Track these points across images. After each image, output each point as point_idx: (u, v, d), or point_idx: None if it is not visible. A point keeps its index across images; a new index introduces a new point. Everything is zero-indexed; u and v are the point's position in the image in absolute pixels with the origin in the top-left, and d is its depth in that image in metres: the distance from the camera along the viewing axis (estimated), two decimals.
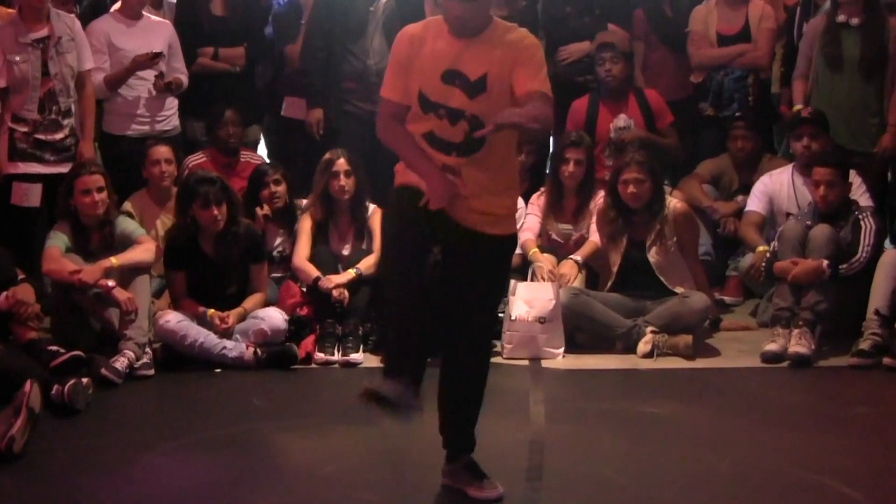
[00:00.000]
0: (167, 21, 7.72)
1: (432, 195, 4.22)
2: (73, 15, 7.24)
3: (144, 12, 7.52)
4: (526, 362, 6.35)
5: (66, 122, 6.96)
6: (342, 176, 6.82)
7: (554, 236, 7.16)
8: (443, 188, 4.24)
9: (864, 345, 6.15)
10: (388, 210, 4.53)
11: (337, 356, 6.38)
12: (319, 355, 6.39)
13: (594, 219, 6.97)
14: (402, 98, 4.38)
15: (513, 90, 4.23)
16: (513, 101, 4.22)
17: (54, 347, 6.00)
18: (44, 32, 6.86)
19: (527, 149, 7.40)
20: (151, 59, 7.25)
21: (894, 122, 7.30)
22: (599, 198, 6.97)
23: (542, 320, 6.41)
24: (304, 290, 6.73)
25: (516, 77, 4.23)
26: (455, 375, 4.48)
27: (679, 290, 6.57)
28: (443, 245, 4.34)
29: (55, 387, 5.51)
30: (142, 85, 7.39)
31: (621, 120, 7.63)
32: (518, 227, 6.81)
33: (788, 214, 6.98)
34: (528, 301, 6.47)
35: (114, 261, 6.32)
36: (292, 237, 7.03)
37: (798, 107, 7.39)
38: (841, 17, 7.32)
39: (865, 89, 7.36)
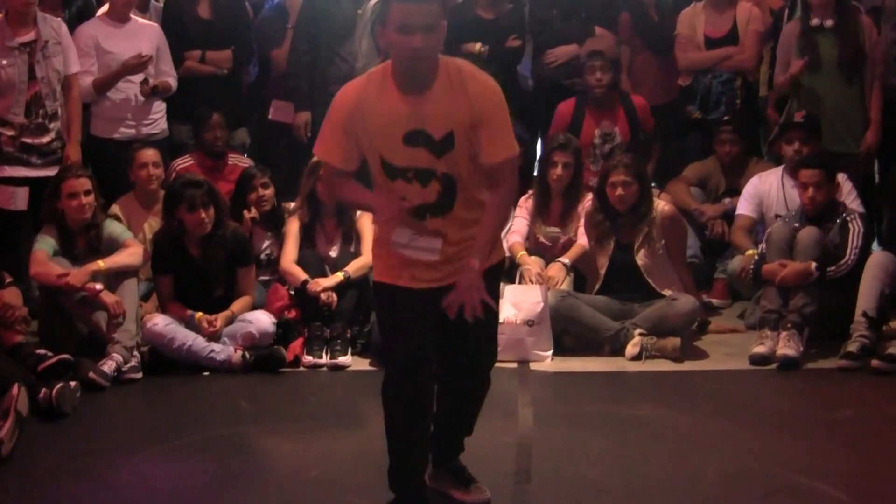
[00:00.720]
0: (154, 24, 7.71)
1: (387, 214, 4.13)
2: (59, 19, 7.22)
3: (132, 15, 7.51)
4: (514, 365, 6.34)
5: (52, 125, 6.94)
6: None
7: (541, 239, 7.16)
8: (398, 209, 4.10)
9: (852, 347, 6.15)
10: (380, 310, 4.38)
11: (325, 359, 6.39)
12: (307, 358, 6.38)
13: (581, 222, 6.97)
14: (342, 163, 4.15)
15: (479, 151, 4.04)
16: (476, 163, 4.07)
17: (41, 351, 6.00)
18: (30, 36, 6.84)
19: None
20: (141, 64, 7.24)
21: (876, 119, 7.39)
22: (587, 200, 6.97)
23: (529, 323, 6.41)
24: (292, 293, 6.73)
25: (483, 139, 4.02)
26: (457, 397, 4.45)
27: (666, 292, 6.58)
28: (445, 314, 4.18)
29: (42, 390, 5.50)
30: (129, 88, 7.38)
31: (606, 127, 7.65)
32: (505, 230, 6.87)
33: (777, 216, 7.00)
34: (515, 304, 6.46)
35: (101, 264, 6.31)
36: (279, 240, 7.02)
37: (795, 69, 7.36)
38: (814, 21, 7.36)
39: (846, 90, 7.41)
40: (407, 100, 4.03)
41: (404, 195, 4.09)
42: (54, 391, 5.49)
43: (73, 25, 7.35)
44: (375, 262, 4.34)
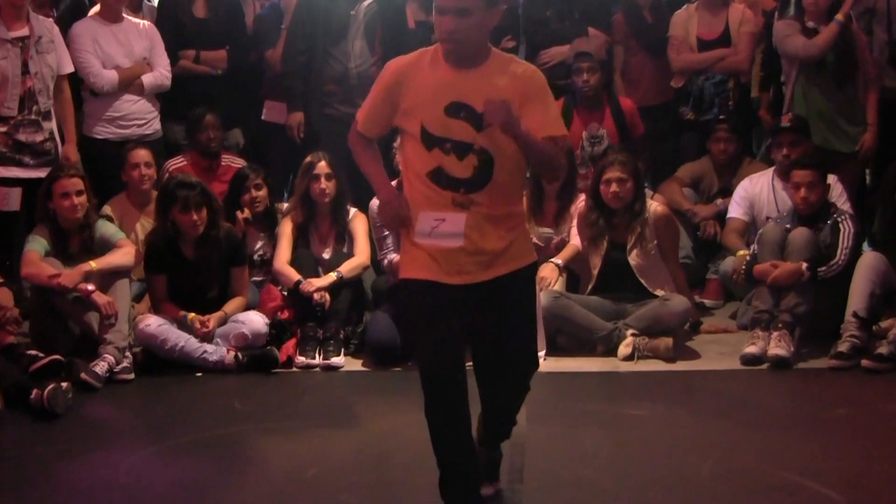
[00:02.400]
0: (147, 21, 7.70)
1: (384, 210, 4.20)
2: (51, 19, 7.22)
3: (124, 15, 7.51)
4: None
5: (45, 124, 6.94)
6: (323, 179, 6.82)
7: (535, 240, 7.13)
8: (395, 205, 4.15)
9: (843, 347, 6.16)
10: (407, 308, 4.34)
11: (318, 360, 6.38)
12: (300, 359, 6.38)
13: (574, 222, 6.98)
14: (373, 135, 4.28)
15: (527, 128, 4.05)
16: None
17: (33, 352, 5.99)
18: (24, 31, 6.84)
19: None
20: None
21: (873, 122, 7.42)
22: (580, 201, 6.98)
23: None
24: (285, 293, 6.72)
25: (528, 115, 4.03)
26: (494, 401, 4.39)
27: (659, 292, 6.59)
28: (475, 314, 4.17)
29: (34, 391, 5.50)
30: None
31: (594, 129, 7.66)
32: None
33: (768, 218, 7.01)
34: None
35: (93, 265, 6.30)
36: (273, 241, 7.01)
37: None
38: (810, 24, 7.39)
39: (841, 93, 7.44)
40: (454, 72, 4.10)
41: (441, 165, 4.09)
42: (46, 392, 5.48)
43: (63, 24, 7.35)
44: (403, 257, 4.29)
